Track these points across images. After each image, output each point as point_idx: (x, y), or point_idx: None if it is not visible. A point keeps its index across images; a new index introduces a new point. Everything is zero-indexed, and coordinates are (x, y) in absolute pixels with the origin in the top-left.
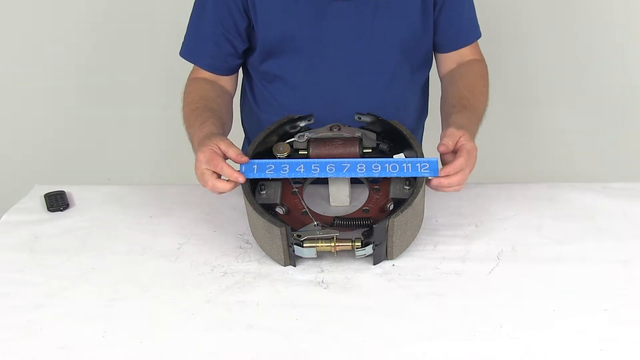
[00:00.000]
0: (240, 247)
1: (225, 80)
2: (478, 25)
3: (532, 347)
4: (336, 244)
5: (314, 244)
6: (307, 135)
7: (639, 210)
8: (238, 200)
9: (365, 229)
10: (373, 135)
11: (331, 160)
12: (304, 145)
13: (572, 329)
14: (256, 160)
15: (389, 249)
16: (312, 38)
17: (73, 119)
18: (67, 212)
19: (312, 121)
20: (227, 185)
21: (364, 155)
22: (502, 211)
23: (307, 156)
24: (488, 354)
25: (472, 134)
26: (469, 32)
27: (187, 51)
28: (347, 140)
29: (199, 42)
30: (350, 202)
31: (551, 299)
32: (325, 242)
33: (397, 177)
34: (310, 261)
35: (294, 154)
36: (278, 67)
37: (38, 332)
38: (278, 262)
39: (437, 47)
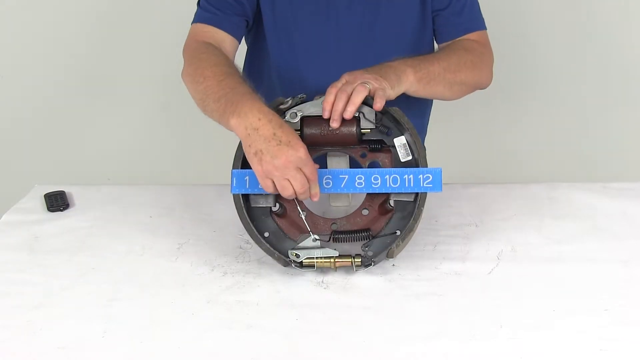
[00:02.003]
0: (240, 247)
1: (231, 47)
2: (481, 18)
3: (532, 347)
4: (335, 261)
5: (313, 262)
6: (299, 113)
7: (639, 210)
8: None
9: (365, 241)
10: (372, 114)
11: (328, 170)
12: (297, 126)
13: (572, 329)
14: (249, 171)
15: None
16: (313, 32)
17: (73, 119)
18: (67, 212)
19: (304, 97)
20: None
21: (362, 136)
22: (502, 211)
23: (301, 137)
24: (488, 354)
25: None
26: (468, 23)
27: (205, 16)
28: (343, 120)
29: (219, 5)
30: (351, 202)
31: (551, 299)
32: (324, 259)
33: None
34: None
35: None
36: (278, 55)
37: (38, 332)
38: (278, 262)
39: (436, 37)
